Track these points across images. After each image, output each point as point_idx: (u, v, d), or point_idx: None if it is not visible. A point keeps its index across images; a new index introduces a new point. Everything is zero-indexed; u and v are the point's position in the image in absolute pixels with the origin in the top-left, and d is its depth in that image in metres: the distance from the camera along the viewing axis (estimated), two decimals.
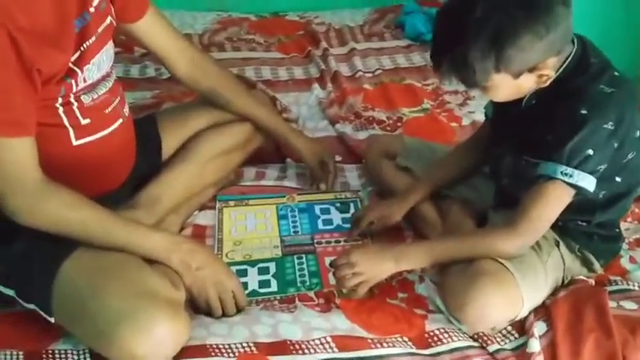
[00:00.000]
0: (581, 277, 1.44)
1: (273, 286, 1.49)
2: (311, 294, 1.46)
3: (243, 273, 1.51)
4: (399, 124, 2.09)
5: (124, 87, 1.51)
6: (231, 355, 1.27)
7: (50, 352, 1.28)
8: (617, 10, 2.52)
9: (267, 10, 2.86)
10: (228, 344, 1.29)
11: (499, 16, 1.18)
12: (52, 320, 1.26)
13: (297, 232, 1.66)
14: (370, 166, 1.80)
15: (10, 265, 1.30)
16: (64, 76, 1.27)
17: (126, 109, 1.48)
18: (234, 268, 1.47)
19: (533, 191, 1.31)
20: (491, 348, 1.31)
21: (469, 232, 1.49)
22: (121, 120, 1.44)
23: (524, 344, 1.31)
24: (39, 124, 1.25)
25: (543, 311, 1.37)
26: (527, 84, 1.28)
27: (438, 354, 1.31)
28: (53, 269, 1.25)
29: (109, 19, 1.38)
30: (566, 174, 1.27)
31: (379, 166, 1.74)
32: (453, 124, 2.09)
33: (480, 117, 1.96)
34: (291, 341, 1.31)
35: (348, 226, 1.66)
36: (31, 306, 1.28)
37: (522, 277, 1.32)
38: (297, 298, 1.45)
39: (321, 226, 1.68)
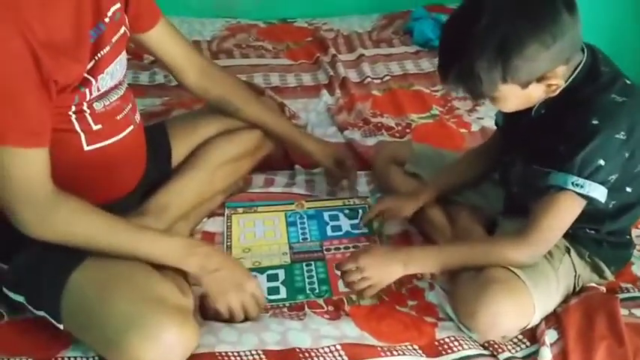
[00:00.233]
0: (592, 284, 1.43)
1: (282, 293, 1.49)
2: (320, 301, 1.46)
3: None
4: (407, 130, 2.09)
5: (133, 94, 1.51)
6: None
7: (60, 359, 1.28)
8: (627, 19, 2.51)
9: (275, 17, 2.86)
10: (237, 352, 1.29)
11: (505, 26, 1.17)
12: (62, 327, 1.26)
13: (306, 238, 1.66)
14: (379, 173, 1.80)
15: (20, 275, 1.29)
16: (78, 85, 1.27)
17: (137, 117, 1.49)
18: None
19: (544, 201, 1.30)
20: (502, 356, 1.31)
21: (479, 239, 1.49)
22: (132, 127, 1.44)
23: (536, 352, 1.31)
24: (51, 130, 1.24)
25: (554, 319, 1.36)
26: (536, 94, 1.27)
27: None
28: (62, 280, 1.24)
29: (123, 29, 1.38)
30: (577, 184, 1.27)
31: (388, 172, 1.74)
32: (462, 130, 2.08)
33: (490, 123, 1.96)
34: (300, 349, 1.30)
35: (357, 232, 1.66)
36: (41, 313, 1.28)
37: (534, 284, 1.31)
38: (306, 306, 1.44)
39: (330, 232, 1.68)
